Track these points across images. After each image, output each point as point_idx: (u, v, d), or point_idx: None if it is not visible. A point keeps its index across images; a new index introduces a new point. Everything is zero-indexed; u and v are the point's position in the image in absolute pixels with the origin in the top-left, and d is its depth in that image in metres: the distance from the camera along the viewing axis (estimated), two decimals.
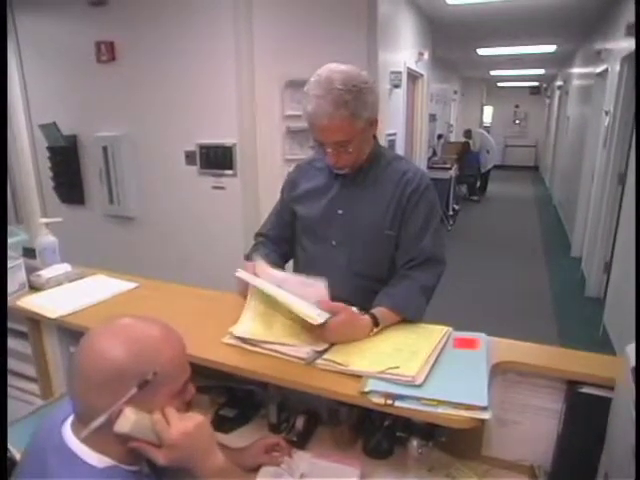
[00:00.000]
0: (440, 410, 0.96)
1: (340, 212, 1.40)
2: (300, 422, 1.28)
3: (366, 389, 1.01)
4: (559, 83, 10.05)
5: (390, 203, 1.36)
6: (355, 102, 1.22)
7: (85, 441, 0.79)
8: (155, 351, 0.81)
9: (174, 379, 0.83)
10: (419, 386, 1.00)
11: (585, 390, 1.02)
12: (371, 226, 1.38)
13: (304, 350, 1.16)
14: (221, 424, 1.32)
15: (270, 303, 1.26)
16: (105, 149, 3.54)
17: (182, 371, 0.85)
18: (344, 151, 1.29)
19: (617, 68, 4.10)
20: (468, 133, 9.92)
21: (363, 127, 1.27)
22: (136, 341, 0.80)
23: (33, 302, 1.57)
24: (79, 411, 0.81)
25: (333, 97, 1.20)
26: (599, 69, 5.01)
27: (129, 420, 0.77)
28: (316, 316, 1.14)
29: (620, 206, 3.83)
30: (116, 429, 0.77)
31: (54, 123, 3.63)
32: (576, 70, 7.63)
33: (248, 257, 1.55)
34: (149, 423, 0.79)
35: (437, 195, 1.43)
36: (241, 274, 1.27)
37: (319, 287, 1.19)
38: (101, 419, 0.76)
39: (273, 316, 1.26)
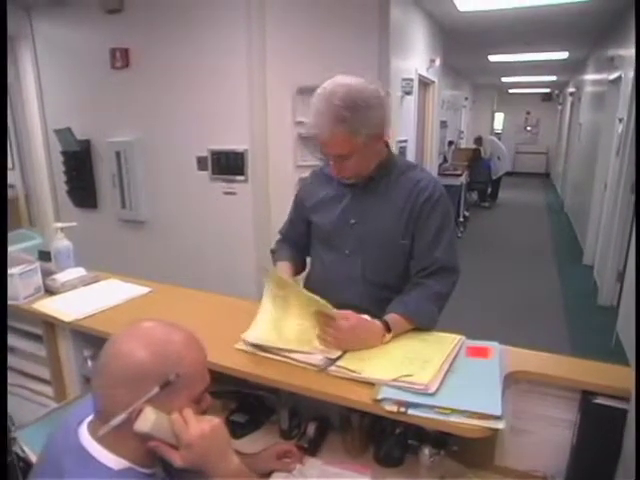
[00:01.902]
0: (453, 419, 0.96)
1: (353, 221, 1.41)
2: (311, 428, 1.28)
3: (379, 397, 1.02)
4: (571, 90, 9.99)
5: (403, 212, 1.36)
6: (353, 118, 1.22)
7: (102, 442, 0.81)
8: (179, 354, 0.83)
9: (194, 385, 0.85)
10: (432, 394, 1.00)
11: (599, 401, 1.02)
12: (384, 235, 1.38)
13: (317, 357, 1.16)
14: (232, 430, 1.31)
15: (281, 305, 1.27)
16: (118, 154, 3.58)
17: (202, 378, 0.87)
18: (347, 164, 1.31)
19: (631, 75, 4.08)
20: (479, 140, 9.89)
21: (364, 142, 1.27)
22: (161, 343, 0.83)
23: (48, 305, 1.59)
24: (100, 409, 0.82)
25: (332, 113, 1.22)
26: (612, 76, 4.98)
27: (149, 419, 0.78)
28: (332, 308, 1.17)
29: (634, 214, 3.79)
30: (136, 427, 0.78)
31: (69, 128, 3.68)
32: (589, 77, 7.58)
33: (273, 252, 1.62)
34: (168, 423, 0.80)
35: (451, 203, 1.43)
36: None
37: None
38: (121, 417, 0.78)
39: (283, 322, 1.26)
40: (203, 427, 0.82)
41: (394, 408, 1.00)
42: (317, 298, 1.19)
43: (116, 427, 0.78)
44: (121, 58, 3.41)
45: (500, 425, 0.94)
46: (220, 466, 0.84)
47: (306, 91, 3.03)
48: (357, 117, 1.22)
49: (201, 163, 3.34)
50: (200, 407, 0.87)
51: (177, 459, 0.81)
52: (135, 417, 0.78)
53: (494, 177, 9.57)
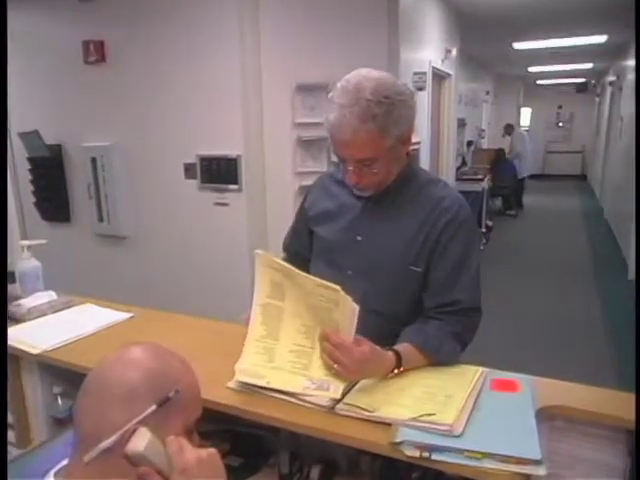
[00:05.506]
0: (486, 464, 0.94)
1: (359, 238, 1.38)
2: (315, 473, 1.28)
3: (397, 439, 1.00)
4: (611, 78, 10.01)
5: (419, 234, 1.33)
6: (385, 116, 1.20)
7: None
8: (177, 373, 0.87)
9: (190, 409, 0.87)
10: (458, 436, 0.99)
11: None
12: (393, 258, 1.35)
13: (324, 400, 1.14)
14: None
15: (274, 315, 1.24)
16: (94, 160, 3.61)
17: (198, 405, 0.90)
18: (368, 171, 1.28)
19: None
20: (510, 128, 9.93)
21: (392, 145, 1.25)
22: (158, 362, 0.87)
23: (12, 336, 1.57)
24: (86, 432, 0.82)
25: (360, 108, 1.19)
26: None
27: (145, 437, 0.79)
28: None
29: None
30: (128, 448, 0.78)
31: (36, 131, 3.71)
32: (631, 63, 7.59)
33: None
34: (162, 447, 0.81)
35: (477, 228, 1.41)
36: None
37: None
38: (113, 437, 0.78)
39: (275, 342, 1.24)
40: (199, 452, 0.83)
41: (416, 453, 0.98)
42: (323, 282, 1.14)
43: (103, 453, 0.78)
44: (95, 52, 3.45)
45: (541, 471, 0.92)
46: None
47: (306, 89, 3.07)
48: (389, 115, 1.20)
49: (189, 171, 3.36)
50: (192, 442, 0.87)
51: None
52: (127, 439, 0.79)
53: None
